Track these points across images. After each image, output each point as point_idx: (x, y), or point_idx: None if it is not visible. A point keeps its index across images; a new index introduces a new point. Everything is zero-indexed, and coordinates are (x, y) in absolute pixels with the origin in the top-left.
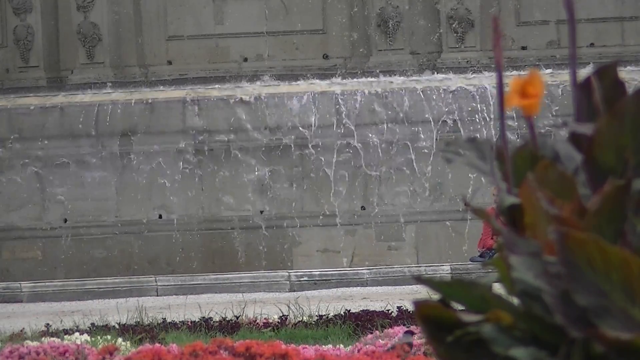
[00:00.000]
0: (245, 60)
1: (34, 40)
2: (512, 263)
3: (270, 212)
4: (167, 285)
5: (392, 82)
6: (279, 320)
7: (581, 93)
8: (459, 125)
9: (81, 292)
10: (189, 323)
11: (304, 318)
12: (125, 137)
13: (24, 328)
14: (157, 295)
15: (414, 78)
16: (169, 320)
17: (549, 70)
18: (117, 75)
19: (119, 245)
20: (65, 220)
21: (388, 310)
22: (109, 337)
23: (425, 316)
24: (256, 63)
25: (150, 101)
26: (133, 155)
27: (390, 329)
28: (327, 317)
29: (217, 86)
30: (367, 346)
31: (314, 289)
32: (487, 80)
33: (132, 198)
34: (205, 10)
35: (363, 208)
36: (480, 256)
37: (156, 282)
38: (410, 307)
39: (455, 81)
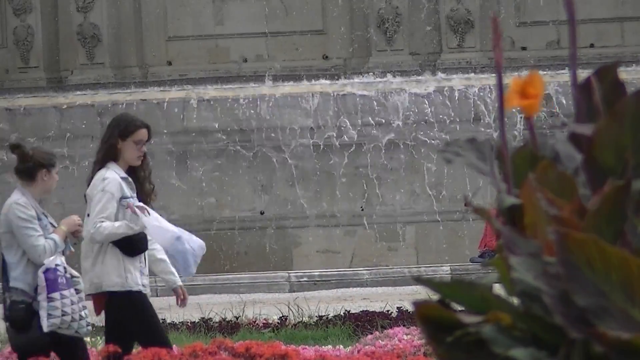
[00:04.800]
0: (245, 60)
1: (34, 40)
2: (512, 263)
3: (270, 213)
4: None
5: (391, 82)
6: (279, 321)
7: (581, 93)
8: (460, 125)
9: None
10: (189, 323)
11: (304, 319)
12: None
13: None
14: (157, 296)
15: (413, 78)
16: (168, 320)
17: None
18: (117, 76)
19: None
20: None
21: (388, 311)
22: None
23: (425, 317)
24: (256, 64)
25: (150, 101)
26: None
27: (390, 329)
28: (327, 318)
29: (217, 87)
30: (367, 347)
31: (313, 290)
32: (486, 80)
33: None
34: (205, 11)
35: (363, 209)
36: (481, 256)
37: (156, 282)
38: (410, 307)
39: (455, 82)
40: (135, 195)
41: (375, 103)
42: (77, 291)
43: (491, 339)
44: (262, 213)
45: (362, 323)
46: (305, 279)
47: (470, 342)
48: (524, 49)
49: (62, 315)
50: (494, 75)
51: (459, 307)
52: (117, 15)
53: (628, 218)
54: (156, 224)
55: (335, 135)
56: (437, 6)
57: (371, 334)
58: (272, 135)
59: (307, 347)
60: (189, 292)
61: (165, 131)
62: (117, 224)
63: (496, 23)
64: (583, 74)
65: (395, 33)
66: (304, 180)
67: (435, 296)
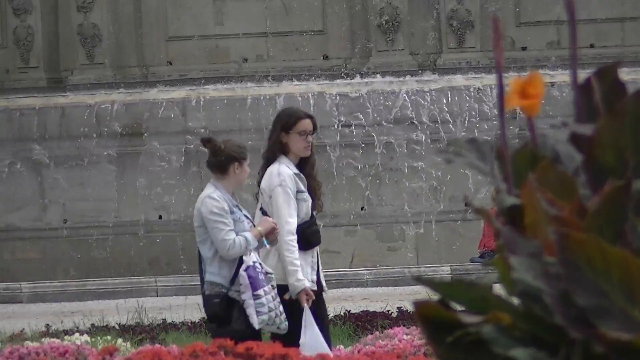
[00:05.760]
0: (245, 60)
1: (34, 40)
2: (512, 263)
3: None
4: (167, 286)
5: (391, 82)
6: None
7: (581, 94)
8: (458, 125)
9: (81, 293)
10: (189, 324)
11: None
12: (125, 137)
13: (24, 329)
14: (157, 296)
15: (413, 78)
16: (169, 320)
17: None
18: (117, 76)
19: (119, 245)
20: (65, 221)
21: (388, 311)
22: (109, 337)
23: (425, 317)
24: (256, 64)
25: (150, 102)
26: (133, 155)
27: (390, 329)
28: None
29: (217, 87)
30: (367, 347)
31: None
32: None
33: (132, 198)
34: (205, 11)
35: (363, 209)
36: (481, 257)
37: (156, 282)
38: (410, 307)
39: (455, 81)
40: (306, 189)
41: (375, 103)
42: (272, 287)
43: (491, 339)
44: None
45: (362, 323)
46: None
47: (470, 342)
48: (524, 49)
49: (269, 311)
50: (494, 75)
51: (459, 307)
52: (117, 15)
53: (628, 218)
54: (314, 332)
55: (335, 135)
56: (438, 6)
57: (371, 334)
58: None
59: None
60: (190, 292)
61: (165, 131)
62: (297, 262)
63: (496, 23)
64: (583, 74)
65: (395, 33)
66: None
67: (435, 296)
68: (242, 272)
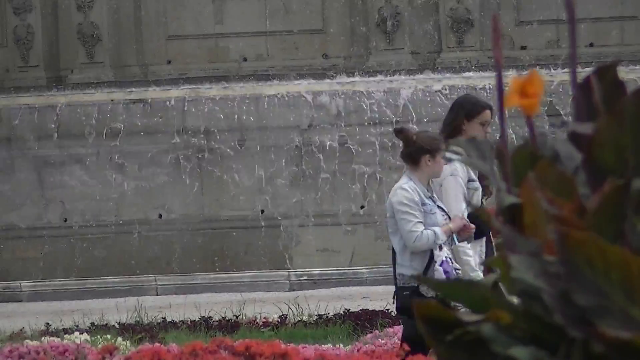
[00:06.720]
0: (245, 60)
1: (34, 40)
2: (512, 262)
3: (270, 212)
4: (167, 285)
5: (391, 81)
6: (279, 320)
7: (581, 93)
8: None
9: (81, 292)
10: (189, 322)
11: (304, 317)
12: (125, 136)
13: (23, 327)
14: (157, 295)
15: (413, 77)
16: (168, 319)
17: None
18: (117, 75)
19: (119, 245)
20: (65, 220)
21: (388, 310)
22: (108, 336)
23: (425, 316)
24: (256, 63)
25: (150, 101)
26: (133, 154)
27: (390, 328)
28: (327, 317)
29: (216, 86)
30: (367, 345)
31: (313, 289)
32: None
33: (132, 198)
34: (205, 10)
35: (363, 207)
36: None
37: (156, 281)
38: None
39: (455, 80)
40: (477, 177)
41: (375, 102)
42: None
43: (491, 338)
44: (262, 212)
45: (361, 322)
46: (305, 277)
47: (470, 341)
48: (523, 48)
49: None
50: (493, 74)
51: (459, 307)
52: (117, 14)
53: (628, 217)
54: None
55: (335, 133)
56: (437, 5)
57: (371, 332)
58: (272, 134)
59: (306, 346)
60: (189, 292)
61: (165, 130)
62: (470, 252)
63: (496, 22)
64: (583, 73)
65: (395, 32)
66: (304, 179)
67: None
68: (437, 266)
